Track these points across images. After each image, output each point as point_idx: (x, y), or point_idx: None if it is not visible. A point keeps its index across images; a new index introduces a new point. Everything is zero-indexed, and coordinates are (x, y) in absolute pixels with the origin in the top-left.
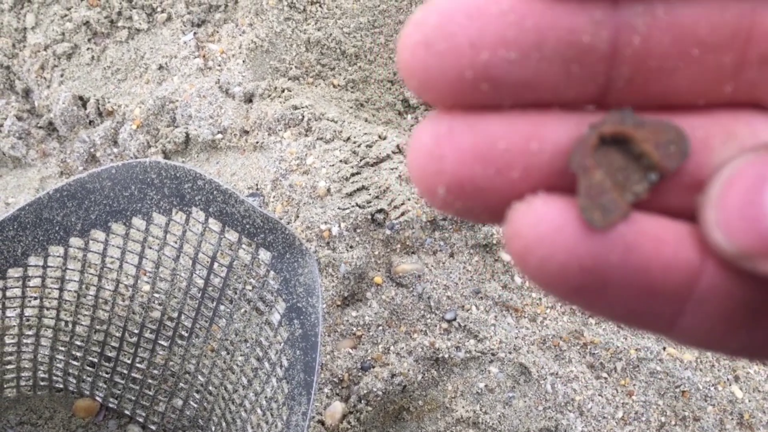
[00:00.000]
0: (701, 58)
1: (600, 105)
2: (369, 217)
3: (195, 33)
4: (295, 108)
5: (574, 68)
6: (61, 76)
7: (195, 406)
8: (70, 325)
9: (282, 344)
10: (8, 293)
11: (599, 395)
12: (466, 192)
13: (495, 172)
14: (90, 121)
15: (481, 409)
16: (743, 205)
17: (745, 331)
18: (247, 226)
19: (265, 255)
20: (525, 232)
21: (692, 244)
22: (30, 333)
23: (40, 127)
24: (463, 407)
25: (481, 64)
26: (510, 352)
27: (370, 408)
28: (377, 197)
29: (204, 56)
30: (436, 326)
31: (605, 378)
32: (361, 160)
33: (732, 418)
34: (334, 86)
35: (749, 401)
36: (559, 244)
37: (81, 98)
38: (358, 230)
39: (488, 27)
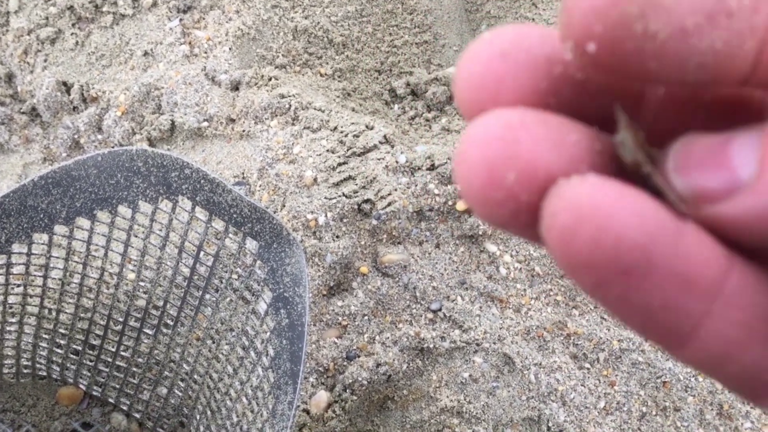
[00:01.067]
0: None
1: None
2: (355, 206)
3: (181, 19)
4: (282, 97)
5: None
6: (45, 61)
7: (180, 394)
8: (54, 313)
9: (268, 333)
10: None
11: (582, 385)
12: (538, 180)
13: (568, 161)
14: (74, 107)
15: (465, 399)
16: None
17: (760, 345)
18: (235, 216)
19: (252, 244)
20: (580, 201)
21: (722, 244)
22: (13, 320)
23: (23, 113)
24: (447, 397)
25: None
26: (494, 343)
27: (355, 397)
28: (364, 187)
29: (190, 43)
30: (421, 316)
31: (588, 368)
32: (348, 150)
33: (712, 409)
34: (321, 75)
35: (729, 392)
36: (617, 216)
37: (65, 84)
38: (345, 220)
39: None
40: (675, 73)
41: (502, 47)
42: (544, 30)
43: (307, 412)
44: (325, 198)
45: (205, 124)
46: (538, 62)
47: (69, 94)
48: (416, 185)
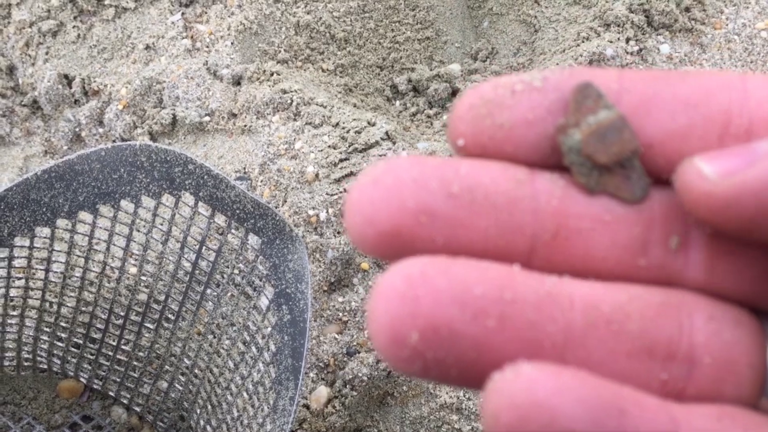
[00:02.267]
0: (613, 225)
1: (528, 265)
2: None
3: (183, 13)
4: (284, 92)
5: (502, 215)
6: (46, 53)
7: (180, 388)
8: (56, 306)
9: (270, 329)
10: None
11: None
12: (440, 338)
13: (472, 317)
14: (75, 100)
15: (464, 395)
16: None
17: None
18: (237, 212)
19: (254, 240)
20: (520, 401)
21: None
22: (14, 313)
23: (24, 105)
24: (446, 393)
25: (422, 197)
26: None
27: (355, 393)
28: None
29: (192, 37)
30: None
31: None
32: (349, 146)
33: None
34: (323, 71)
35: None
36: (561, 410)
37: (66, 77)
38: None
39: (429, 169)
40: (529, 154)
41: (374, 175)
42: (415, 160)
43: (307, 407)
44: (327, 194)
45: (207, 118)
46: (405, 185)
47: (70, 87)
48: None
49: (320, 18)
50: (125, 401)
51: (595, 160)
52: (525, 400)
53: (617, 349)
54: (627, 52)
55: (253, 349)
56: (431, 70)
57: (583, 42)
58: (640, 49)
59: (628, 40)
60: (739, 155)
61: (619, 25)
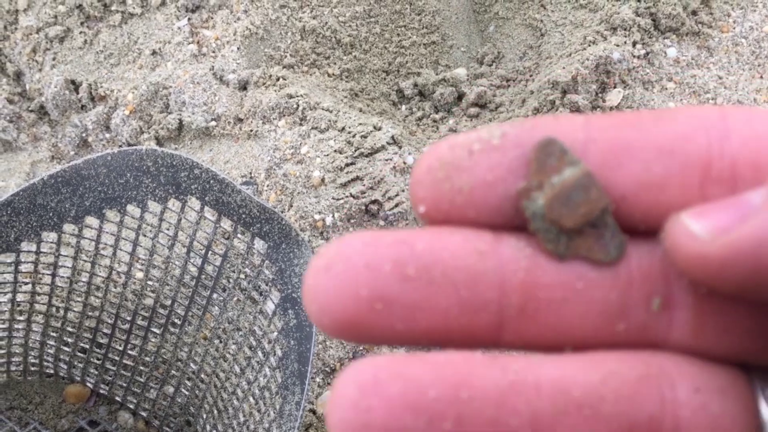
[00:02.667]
0: (587, 292)
1: (497, 341)
2: (363, 207)
3: (189, 18)
4: (290, 97)
5: (464, 293)
6: (53, 59)
7: (186, 393)
8: (62, 311)
9: (276, 334)
10: (0, 278)
11: None
12: None
13: (427, 423)
14: (82, 106)
15: None
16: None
17: None
18: (243, 216)
19: (260, 244)
20: None
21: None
22: (21, 318)
23: (32, 111)
24: None
25: (375, 283)
26: None
27: None
28: (371, 188)
29: (198, 42)
30: None
31: None
32: (355, 151)
33: None
34: (329, 75)
35: None
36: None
37: (73, 82)
38: (352, 221)
39: (382, 250)
40: (492, 217)
41: (327, 259)
42: (366, 235)
43: (314, 412)
44: (333, 198)
45: (213, 123)
46: (358, 270)
47: (77, 93)
48: None
49: (326, 23)
50: (132, 406)
51: (561, 225)
52: None
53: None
54: (634, 56)
55: (260, 353)
56: (437, 74)
57: (589, 46)
58: (647, 53)
59: (635, 43)
60: (729, 209)
61: (625, 29)
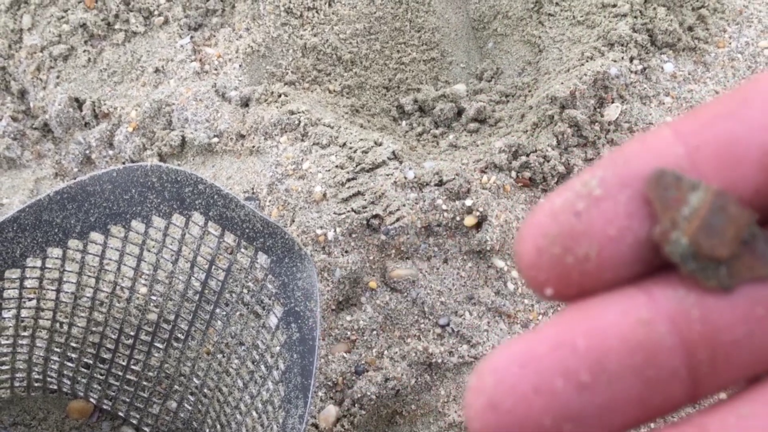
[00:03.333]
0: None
1: (694, 399)
2: (364, 222)
3: (192, 37)
4: (292, 113)
5: (649, 373)
6: (57, 77)
7: (189, 408)
8: (66, 327)
9: (279, 348)
10: (5, 294)
11: None
12: None
13: None
14: (85, 123)
15: None
16: None
17: None
18: (247, 231)
19: (263, 259)
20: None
21: None
22: (26, 334)
23: (36, 129)
24: (455, 412)
25: (553, 406)
26: None
27: (363, 412)
28: (373, 203)
29: (200, 60)
30: (429, 331)
31: None
32: (356, 166)
33: None
34: (330, 92)
35: None
36: None
37: (77, 100)
38: (354, 235)
39: (544, 366)
40: (632, 268)
41: (489, 396)
42: (517, 353)
43: (316, 426)
44: (334, 213)
45: (216, 140)
46: (529, 400)
47: (81, 110)
48: (424, 201)
49: (327, 40)
50: (135, 421)
51: (717, 257)
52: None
53: None
54: (631, 71)
55: (263, 367)
56: (437, 90)
57: (587, 61)
58: (644, 68)
59: (632, 59)
60: None
61: (622, 45)
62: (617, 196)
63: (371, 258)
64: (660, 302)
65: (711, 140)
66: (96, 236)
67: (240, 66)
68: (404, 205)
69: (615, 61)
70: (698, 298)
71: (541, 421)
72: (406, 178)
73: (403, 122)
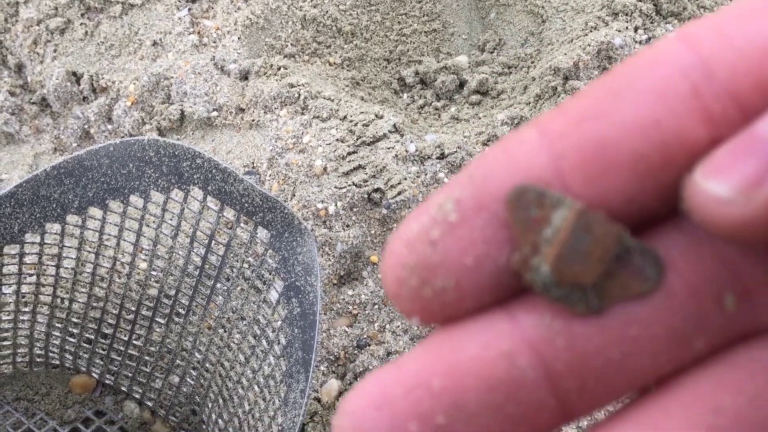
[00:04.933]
0: (645, 332)
1: (568, 420)
2: (365, 196)
3: (190, 9)
4: (291, 86)
5: (511, 410)
6: (54, 51)
7: (192, 382)
8: (67, 302)
9: (280, 322)
10: (4, 270)
11: None
12: None
13: None
14: (84, 98)
15: None
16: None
17: None
18: (246, 205)
19: (263, 234)
20: None
21: None
22: (26, 309)
23: (33, 103)
24: None
25: None
26: None
27: None
28: (374, 176)
29: (199, 33)
30: None
31: None
32: (357, 139)
33: None
34: (330, 64)
35: None
36: None
37: (74, 74)
38: (355, 209)
39: (399, 409)
40: (494, 294)
41: None
42: (375, 395)
43: (318, 400)
44: (335, 187)
45: (215, 113)
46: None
47: (79, 84)
48: (426, 174)
49: (327, 11)
50: (137, 396)
51: (581, 283)
52: None
53: None
54: (635, 41)
55: (264, 342)
56: (438, 62)
57: (591, 31)
58: (649, 38)
59: (636, 29)
60: (747, 155)
61: (627, 14)
62: (473, 221)
63: (372, 232)
64: (524, 330)
65: (577, 145)
66: (94, 211)
67: (239, 38)
68: (406, 179)
69: (619, 31)
70: (564, 324)
71: None
72: (407, 151)
73: (405, 95)
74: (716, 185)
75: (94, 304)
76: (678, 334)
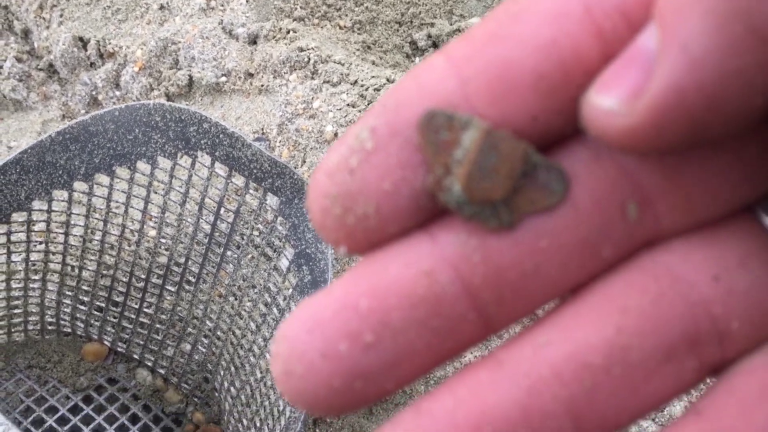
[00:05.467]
0: (554, 243)
1: (489, 332)
2: None
3: None
4: (301, 50)
5: (434, 323)
6: (61, 16)
7: (203, 350)
8: (77, 270)
9: (291, 290)
10: (13, 237)
11: None
12: None
13: None
14: (91, 63)
15: None
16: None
17: None
18: (255, 171)
19: (273, 200)
20: None
21: None
22: (36, 278)
23: (41, 69)
24: (470, 352)
25: (341, 369)
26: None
27: None
28: None
29: None
30: None
31: None
32: (368, 104)
33: None
34: (341, 28)
35: None
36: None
37: (81, 39)
38: None
39: (329, 330)
40: (416, 217)
41: (285, 363)
42: (306, 318)
43: None
44: None
45: (224, 79)
46: (317, 366)
47: (86, 50)
48: None
49: None
50: (150, 363)
51: (491, 199)
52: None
53: (632, 386)
54: None
55: (275, 310)
56: (451, 24)
57: None
58: None
59: None
60: (629, 68)
61: None
62: (389, 147)
63: None
64: (443, 248)
65: (482, 68)
66: (101, 178)
67: (247, 1)
68: None
69: None
70: (479, 240)
71: (331, 383)
72: None
73: (417, 58)
74: (605, 98)
75: (104, 272)
76: (586, 243)
